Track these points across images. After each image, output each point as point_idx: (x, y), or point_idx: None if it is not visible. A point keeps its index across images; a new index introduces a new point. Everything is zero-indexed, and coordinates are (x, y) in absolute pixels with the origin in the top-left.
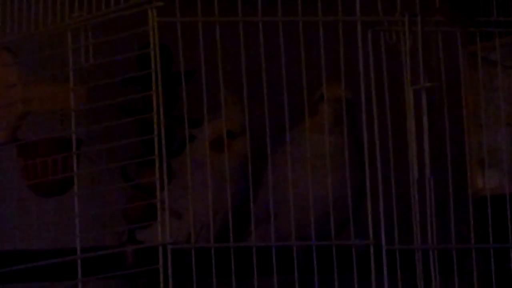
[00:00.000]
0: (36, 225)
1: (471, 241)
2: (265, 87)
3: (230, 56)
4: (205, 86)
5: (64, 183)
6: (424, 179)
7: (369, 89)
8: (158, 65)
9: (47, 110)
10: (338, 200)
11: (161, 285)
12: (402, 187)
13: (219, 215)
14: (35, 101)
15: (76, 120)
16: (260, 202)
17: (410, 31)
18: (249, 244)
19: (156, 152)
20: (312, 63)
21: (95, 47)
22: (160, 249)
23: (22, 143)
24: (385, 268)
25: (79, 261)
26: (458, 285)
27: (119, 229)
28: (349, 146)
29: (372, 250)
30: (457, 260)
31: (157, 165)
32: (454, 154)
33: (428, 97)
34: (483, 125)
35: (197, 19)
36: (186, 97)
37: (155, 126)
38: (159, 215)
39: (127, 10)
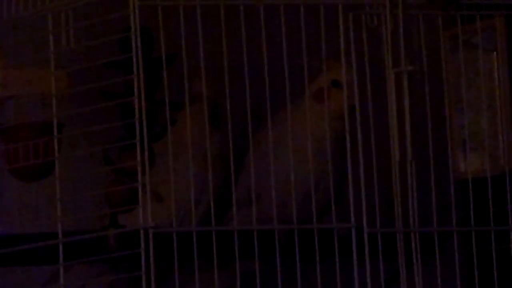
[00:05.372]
0: (18, 209)
1: (453, 224)
2: (246, 70)
3: (211, 40)
4: (186, 69)
5: (45, 167)
6: (406, 162)
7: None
8: (139, 49)
9: (28, 95)
10: (320, 183)
11: (143, 268)
12: (384, 170)
13: (203, 198)
14: (16, 85)
15: (58, 104)
16: (242, 184)
17: (391, 14)
18: (230, 228)
19: (138, 136)
20: (294, 46)
21: (76, 31)
22: (142, 232)
23: (3, 127)
24: (366, 251)
25: (60, 245)
26: (440, 268)
27: (101, 213)
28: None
29: (354, 234)
30: (438, 243)
31: (138, 149)
32: (436, 137)
33: (409, 80)
34: (465, 108)
35: (178, 3)
36: (167, 81)
37: (137, 110)
38: (140, 199)
39: None
